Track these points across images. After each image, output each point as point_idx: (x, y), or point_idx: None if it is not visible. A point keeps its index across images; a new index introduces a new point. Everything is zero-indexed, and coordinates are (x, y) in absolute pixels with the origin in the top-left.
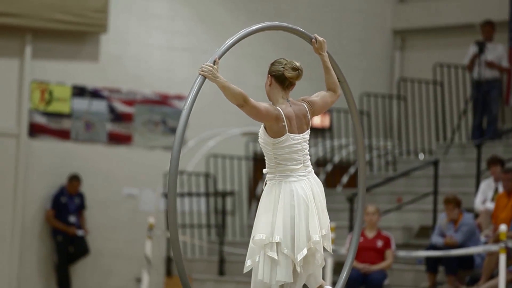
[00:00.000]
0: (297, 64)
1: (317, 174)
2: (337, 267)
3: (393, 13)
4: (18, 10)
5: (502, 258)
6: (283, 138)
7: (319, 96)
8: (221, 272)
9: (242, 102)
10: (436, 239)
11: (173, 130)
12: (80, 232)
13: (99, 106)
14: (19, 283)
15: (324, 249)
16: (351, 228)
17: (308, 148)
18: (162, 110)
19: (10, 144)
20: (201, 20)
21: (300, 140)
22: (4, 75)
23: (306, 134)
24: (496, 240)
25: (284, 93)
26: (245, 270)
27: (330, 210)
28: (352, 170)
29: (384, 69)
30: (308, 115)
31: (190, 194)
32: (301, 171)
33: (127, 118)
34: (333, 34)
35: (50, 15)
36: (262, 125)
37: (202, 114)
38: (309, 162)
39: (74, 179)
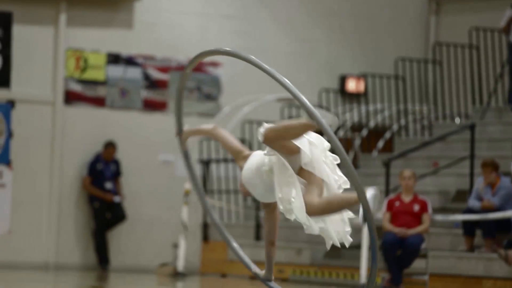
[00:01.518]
0: None
1: (352, 139)
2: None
3: None
4: None
5: None
6: None
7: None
8: (257, 236)
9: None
10: (473, 202)
11: (208, 97)
12: (116, 199)
13: (134, 73)
14: (58, 249)
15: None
16: (387, 192)
17: None
18: (197, 76)
19: (46, 111)
20: None
21: None
22: (39, 43)
23: None
24: None
25: None
26: None
27: (366, 175)
28: (387, 135)
29: (419, 33)
30: None
31: (226, 160)
32: None
33: (162, 85)
34: (369, 0)
35: None
36: None
37: (237, 81)
38: None
39: (110, 146)
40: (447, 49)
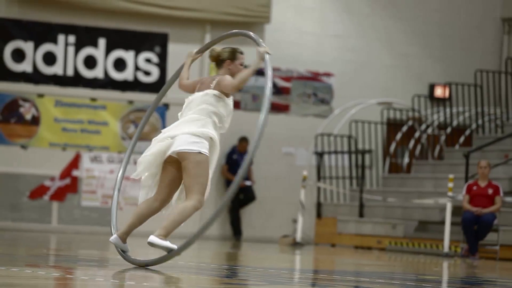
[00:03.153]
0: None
1: (439, 136)
2: (455, 211)
3: (502, 3)
4: (200, 6)
5: None
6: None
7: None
8: (361, 214)
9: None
10: None
11: (322, 101)
12: (248, 183)
13: (263, 82)
14: (202, 222)
15: None
16: (466, 179)
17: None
18: (313, 85)
19: None
20: (345, 11)
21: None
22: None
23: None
24: None
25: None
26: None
27: (450, 164)
28: (467, 132)
29: (495, 50)
30: (212, 84)
31: (336, 152)
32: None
33: (286, 91)
34: (452, 22)
35: (224, 9)
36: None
37: (346, 87)
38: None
39: (243, 140)
40: None
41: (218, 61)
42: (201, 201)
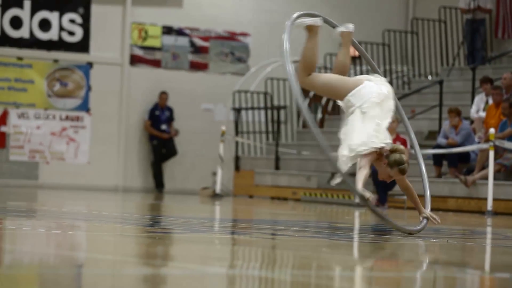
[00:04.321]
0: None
1: None
2: None
3: None
4: None
5: (491, 154)
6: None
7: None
8: (277, 167)
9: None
10: (441, 140)
11: (239, 59)
12: (167, 131)
13: (183, 41)
14: (125, 175)
15: None
16: None
17: None
18: (231, 44)
19: (116, 71)
20: None
21: None
22: (110, 18)
23: None
24: (487, 140)
25: None
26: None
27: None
28: None
29: (401, 10)
30: None
31: (253, 108)
32: None
33: (204, 50)
34: None
35: None
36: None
37: (261, 47)
38: None
39: (163, 94)
40: (422, 23)
41: None
42: None
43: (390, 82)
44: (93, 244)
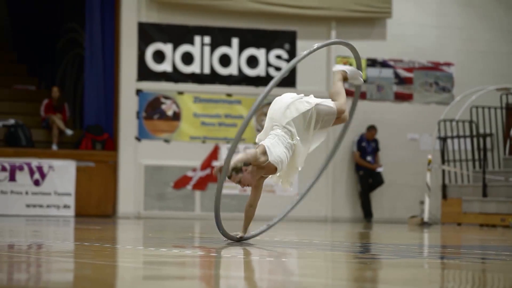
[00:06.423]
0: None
1: None
2: None
3: None
4: (325, 4)
5: None
6: None
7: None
8: (485, 194)
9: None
10: None
11: (443, 89)
12: (379, 169)
13: (387, 73)
14: (333, 206)
15: None
16: None
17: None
18: (435, 74)
19: None
20: (463, 3)
21: None
22: (316, 52)
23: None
24: None
25: None
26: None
27: None
28: None
29: None
30: None
31: (458, 137)
32: None
33: (408, 81)
34: None
35: (348, 6)
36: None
37: (465, 75)
38: None
39: (372, 129)
40: None
41: None
42: None
43: None
44: (306, 269)
